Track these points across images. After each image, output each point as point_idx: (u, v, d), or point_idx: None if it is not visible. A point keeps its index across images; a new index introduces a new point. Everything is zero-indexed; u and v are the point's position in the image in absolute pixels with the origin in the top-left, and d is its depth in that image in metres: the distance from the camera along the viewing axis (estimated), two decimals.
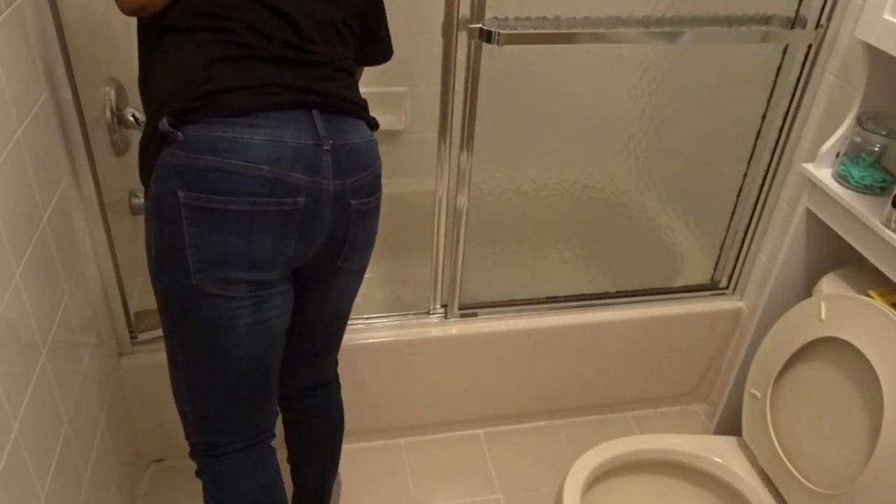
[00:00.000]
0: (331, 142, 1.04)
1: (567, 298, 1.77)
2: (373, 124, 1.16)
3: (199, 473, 1.20)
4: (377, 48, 1.27)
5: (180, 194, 0.98)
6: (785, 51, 1.57)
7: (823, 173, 1.32)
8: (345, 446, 1.78)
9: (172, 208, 0.99)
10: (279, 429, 1.42)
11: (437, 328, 1.70)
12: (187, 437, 1.18)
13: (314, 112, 1.04)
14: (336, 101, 1.07)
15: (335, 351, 1.36)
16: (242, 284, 1.04)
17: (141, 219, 1.80)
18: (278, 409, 1.27)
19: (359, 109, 1.11)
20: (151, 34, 1.06)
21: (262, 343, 1.11)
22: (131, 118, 1.61)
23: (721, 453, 1.40)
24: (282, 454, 1.45)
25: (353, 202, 1.08)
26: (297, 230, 1.04)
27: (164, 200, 0.99)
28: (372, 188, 1.12)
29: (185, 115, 0.98)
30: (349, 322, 1.67)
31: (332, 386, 1.40)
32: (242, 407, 1.16)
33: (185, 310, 1.05)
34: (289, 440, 1.43)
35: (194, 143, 0.97)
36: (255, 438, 1.20)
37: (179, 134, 0.98)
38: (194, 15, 1.02)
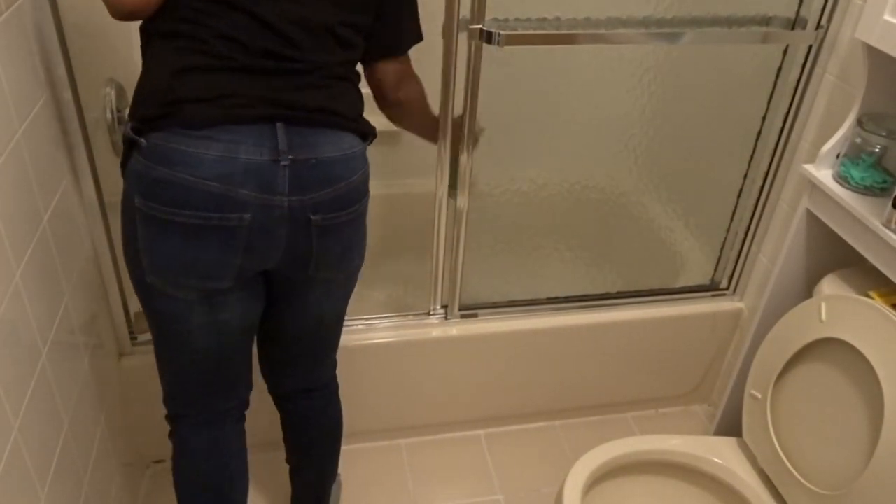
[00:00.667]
0: (290, 157, 1.02)
1: (567, 299, 1.77)
2: (365, 133, 1.13)
3: (169, 435, 1.28)
4: (394, 37, 1.20)
5: (136, 200, 1.02)
6: (785, 52, 1.57)
7: (824, 174, 1.32)
8: (345, 447, 1.78)
9: (130, 211, 1.04)
10: (276, 429, 1.42)
11: (438, 329, 1.70)
12: (163, 401, 1.26)
13: (278, 125, 1.02)
14: (307, 114, 1.05)
15: (328, 356, 1.36)
16: (191, 290, 1.08)
17: None
18: (246, 389, 1.29)
19: (341, 121, 1.08)
20: (143, 38, 1.08)
21: (216, 340, 1.15)
22: None
23: (721, 454, 1.40)
24: (280, 455, 1.45)
25: (314, 217, 1.07)
26: (244, 245, 1.05)
27: (126, 202, 1.05)
28: (342, 202, 1.09)
29: (149, 123, 1.01)
30: (349, 323, 1.67)
31: (327, 389, 1.40)
32: (199, 389, 1.22)
33: (146, 301, 1.12)
34: (286, 442, 1.43)
35: (153, 153, 1.00)
36: (211, 417, 1.25)
37: (143, 141, 1.01)
38: (176, 21, 1.02)
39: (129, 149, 1.05)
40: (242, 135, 1.00)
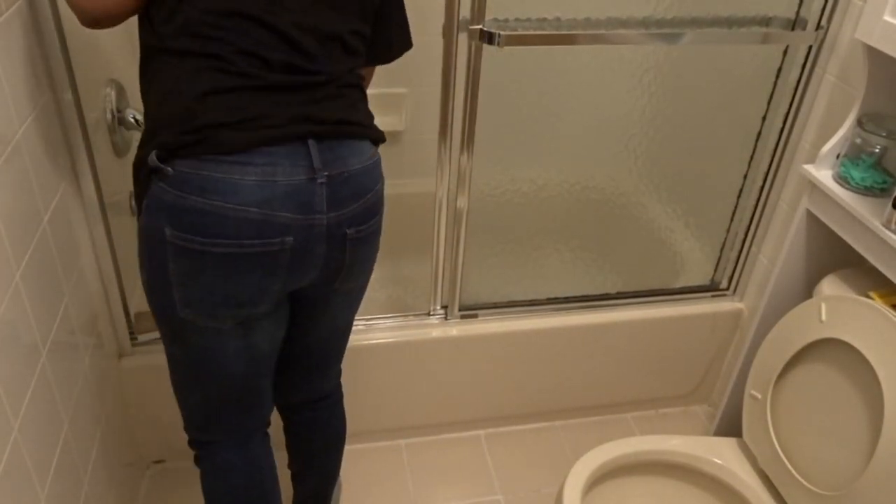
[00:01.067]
0: (326, 173, 1.00)
1: (567, 299, 1.77)
2: (378, 140, 1.12)
3: (196, 461, 1.23)
4: (386, 45, 1.19)
5: (167, 232, 0.97)
6: (785, 52, 1.57)
7: (824, 174, 1.32)
8: (346, 447, 1.78)
9: (160, 244, 0.98)
10: (279, 432, 1.42)
11: (438, 329, 1.70)
12: (185, 429, 1.21)
13: (311, 142, 0.99)
14: (335, 127, 1.02)
15: (337, 364, 1.35)
16: (228, 318, 1.04)
17: None
18: (271, 404, 1.27)
19: (361, 129, 1.07)
20: (148, 50, 1.03)
21: (250, 364, 1.13)
22: (132, 119, 1.61)
23: (721, 454, 1.40)
24: (282, 457, 1.45)
25: (349, 231, 1.06)
26: (286, 268, 1.02)
27: (152, 235, 0.99)
28: (371, 213, 1.09)
29: (176, 150, 0.95)
30: None
31: (333, 398, 1.38)
32: (229, 413, 1.18)
33: (176, 335, 1.08)
34: (288, 448, 1.42)
35: (184, 182, 0.95)
36: (244, 436, 1.22)
37: (170, 169, 0.95)
38: (189, 38, 0.97)
39: (148, 177, 0.98)
40: (278, 156, 0.97)
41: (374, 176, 1.08)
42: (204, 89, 0.96)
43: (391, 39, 1.19)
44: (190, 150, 0.95)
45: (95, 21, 1.00)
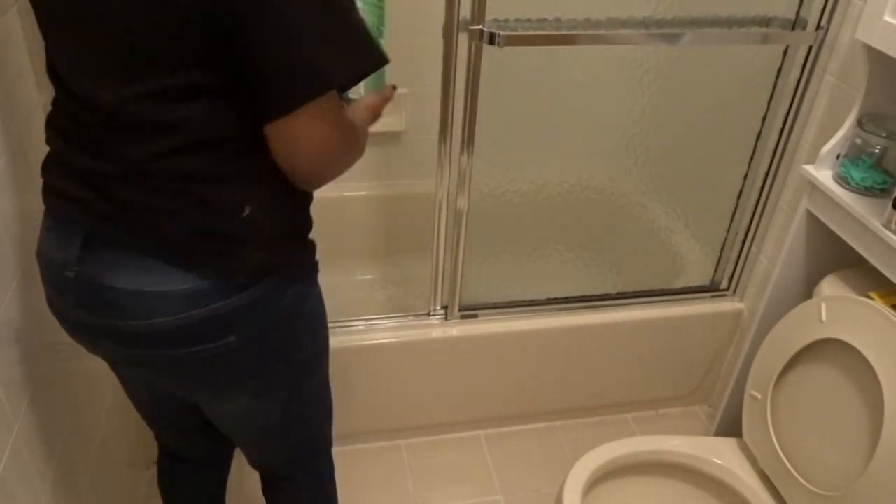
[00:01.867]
0: (76, 268, 0.85)
1: (567, 300, 1.77)
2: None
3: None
4: (262, 95, 0.77)
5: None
6: (785, 52, 1.57)
7: (824, 175, 1.32)
8: (345, 447, 1.78)
9: (318, 306, 1.02)
10: None
11: (438, 329, 1.70)
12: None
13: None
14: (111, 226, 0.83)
15: (263, 455, 1.19)
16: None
17: None
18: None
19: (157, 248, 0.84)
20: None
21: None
22: None
23: (721, 455, 1.39)
24: None
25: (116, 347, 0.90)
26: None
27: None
28: (154, 341, 0.87)
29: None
30: (350, 323, 1.67)
31: (281, 487, 1.24)
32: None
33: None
34: None
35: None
36: None
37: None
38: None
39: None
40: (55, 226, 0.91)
41: (149, 306, 0.87)
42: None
43: (265, 84, 0.77)
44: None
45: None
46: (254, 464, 1.21)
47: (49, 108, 0.88)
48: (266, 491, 1.27)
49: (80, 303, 0.87)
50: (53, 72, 0.84)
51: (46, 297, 0.93)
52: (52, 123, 0.88)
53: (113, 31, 0.74)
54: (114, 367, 1.05)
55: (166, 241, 0.84)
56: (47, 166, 0.90)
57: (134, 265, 0.84)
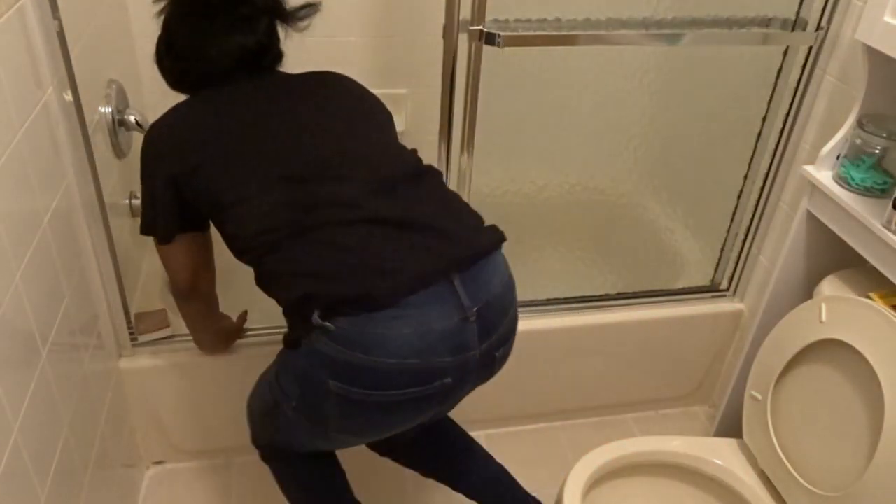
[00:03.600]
0: (475, 308, 1.01)
1: (567, 300, 1.77)
2: (502, 240, 1.11)
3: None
4: None
5: (330, 383, 1.02)
6: (785, 53, 1.57)
7: (824, 175, 1.32)
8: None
9: (320, 390, 1.04)
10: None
11: None
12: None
13: (455, 281, 1.00)
14: (469, 250, 1.03)
15: None
16: (375, 437, 1.17)
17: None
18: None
19: (487, 241, 1.06)
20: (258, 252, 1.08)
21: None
22: (132, 120, 1.61)
23: (722, 455, 1.39)
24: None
25: (497, 354, 1.08)
26: (440, 401, 1.06)
27: (312, 380, 1.05)
28: (512, 327, 1.11)
29: (335, 309, 0.99)
30: None
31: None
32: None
33: (305, 433, 1.18)
34: (433, 471, 1.45)
35: (345, 338, 0.99)
36: None
37: (331, 326, 0.99)
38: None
39: (307, 327, 1.03)
40: (428, 302, 0.99)
41: (510, 288, 1.09)
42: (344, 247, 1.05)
43: None
44: (347, 308, 0.99)
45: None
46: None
47: None
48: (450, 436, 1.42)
49: (482, 334, 1.03)
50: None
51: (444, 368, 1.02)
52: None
53: None
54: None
55: None
56: None
57: (492, 263, 1.09)
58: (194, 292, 1.26)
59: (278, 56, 1.26)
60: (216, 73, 1.18)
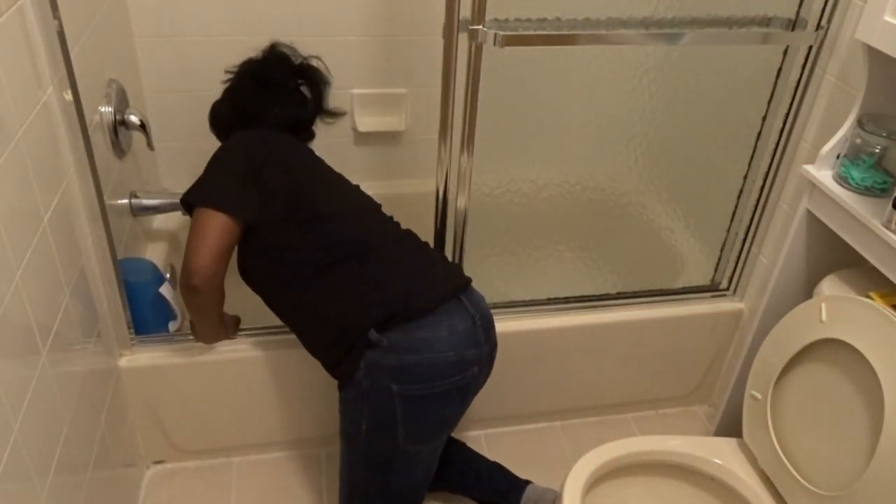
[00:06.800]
0: (478, 316, 1.28)
1: (567, 300, 1.77)
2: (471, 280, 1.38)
3: None
4: None
5: (394, 388, 1.22)
6: (785, 52, 1.57)
7: (824, 175, 1.32)
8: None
9: (385, 397, 1.23)
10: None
11: None
12: None
13: (462, 297, 1.29)
14: (463, 280, 1.33)
15: None
16: (436, 441, 1.34)
17: (141, 219, 1.80)
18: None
19: (467, 278, 1.36)
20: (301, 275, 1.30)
21: (427, 478, 1.42)
22: (133, 120, 1.61)
23: (722, 455, 1.40)
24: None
25: (493, 355, 1.35)
26: (474, 391, 1.32)
27: (377, 392, 1.24)
28: (496, 339, 1.35)
29: (385, 325, 1.22)
30: None
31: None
32: None
33: (381, 465, 1.33)
34: (467, 489, 1.61)
35: (399, 346, 1.22)
36: None
37: (385, 340, 1.22)
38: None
39: (360, 350, 1.23)
40: (450, 312, 1.26)
41: (489, 311, 1.35)
42: (378, 280, 1.31)
43: None
44: (394, 322, 1.23)
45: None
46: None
47: None
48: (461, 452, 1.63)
49: (486, 335, 1.31)
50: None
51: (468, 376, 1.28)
52: None
53: None
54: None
55: None
56: None
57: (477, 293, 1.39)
58: (210, 279, 1.27)
59: (312, 137, 1.58)
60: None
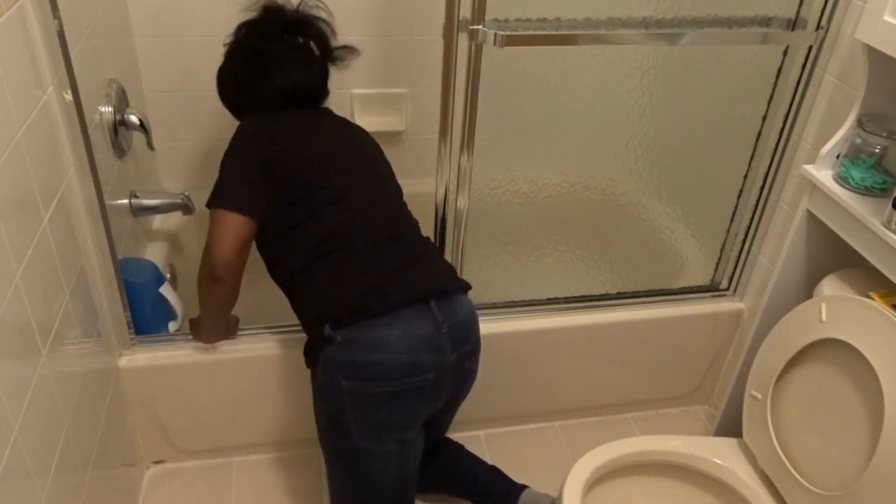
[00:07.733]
0: (447, 325, 1.26)
1: (567, 300, 1.77)
2: (468, 288, 1.36)
3: None
4: None
5: (343, 383, 1.24)
6: (785, 52, 1.57)
7: (824, 175, 1.32)
8: None
9: (336, 391, 1.25)
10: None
11: None
12: None
13: (432, 304, 1.26)
14: (444, 286, 1.30)
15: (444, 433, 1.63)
16: (391, 442, 1.31)
17: (141, 219, 1.81)
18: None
19: (456, 285, 1.32)
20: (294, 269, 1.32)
21: (405, 476, 1.38)
22: (133, 120, 1.61)
23: (722, 455, 1.40)
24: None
25: (466, 365, 1.33)
26: (437, 397, 1.30)
27: (331, 387, 1.26)
28: (477, 347, 1.35)
29: (342, 322, 1.24)
30: None
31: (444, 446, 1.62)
32: None
33: (350, 463, 1.34)
34: (452, 488, 1.61)
35: (351, 343, 1.23)
36: None
37: (338, 336, 1.23)
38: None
39: (320, 345, 1.27)
40: (412, 316, 1.24)
41: (474, 320, 1.34)
42: (346, 275, 1.30)
43: None
44: (349, 320, 1.24)
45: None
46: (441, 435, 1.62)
47: None
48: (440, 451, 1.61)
49: (453, 344, 1.28)
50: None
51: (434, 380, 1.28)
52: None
53: None
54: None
55: None
56: None
57: (462, 300, 1.36)
58: (232, 269, 1.32)
59: (327, 94, 1.51)
60: (272, 103, 1.42)
